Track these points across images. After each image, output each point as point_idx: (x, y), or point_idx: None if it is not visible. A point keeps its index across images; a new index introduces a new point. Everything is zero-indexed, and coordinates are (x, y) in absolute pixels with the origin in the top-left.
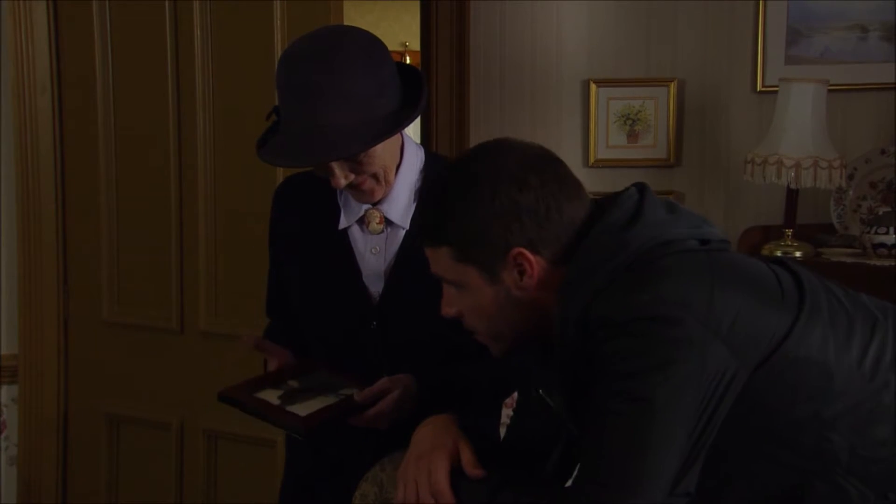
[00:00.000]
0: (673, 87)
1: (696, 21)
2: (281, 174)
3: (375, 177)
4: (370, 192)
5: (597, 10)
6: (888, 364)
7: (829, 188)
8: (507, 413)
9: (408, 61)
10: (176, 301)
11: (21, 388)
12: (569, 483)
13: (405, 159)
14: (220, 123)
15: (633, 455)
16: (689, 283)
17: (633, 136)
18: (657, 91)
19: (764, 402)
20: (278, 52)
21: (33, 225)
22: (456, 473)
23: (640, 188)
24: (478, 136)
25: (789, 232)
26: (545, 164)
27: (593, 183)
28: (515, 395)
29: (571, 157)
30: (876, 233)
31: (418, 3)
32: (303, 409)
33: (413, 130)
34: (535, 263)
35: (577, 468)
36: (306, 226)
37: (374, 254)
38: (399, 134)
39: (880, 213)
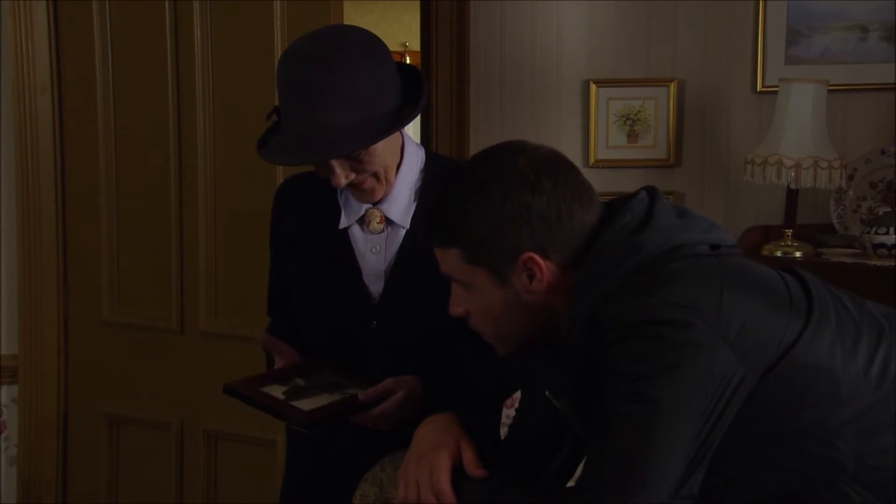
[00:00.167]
0: (673, 87)
1: (696, 21)
2: (281, 174)
3: (376, 176)
4: (371, 191)
5: (597, 10)
6: (894, 373)
7: (829, 188)
8: (506, 413)
9: (408, 61)
10: (176, 301)
11: (21, 388)
12: (571, 484)
13: (405, 159)
14: (220, 123)
15: (638, 456)
16: (699, 287)
17: (633, 136)
18: (657, 91)
19: (770, 408)
20: (278, 52)
21: (33, 225)
22: (457, 473)
23: (651, 192)
24: (478, 136)
25: (789, 232)
26: (557, 169)
27: (593, 183)
28: (515, 395)
29: (571, 158)
30: (876, 233)
31: (418, 3)
32: (307, 404)
33: (413, 130)
34: (545, 268)
35: (579, 469)
36: (307, 225)
37: (374, 253)
38: (399, 134)
39: (880, 213)
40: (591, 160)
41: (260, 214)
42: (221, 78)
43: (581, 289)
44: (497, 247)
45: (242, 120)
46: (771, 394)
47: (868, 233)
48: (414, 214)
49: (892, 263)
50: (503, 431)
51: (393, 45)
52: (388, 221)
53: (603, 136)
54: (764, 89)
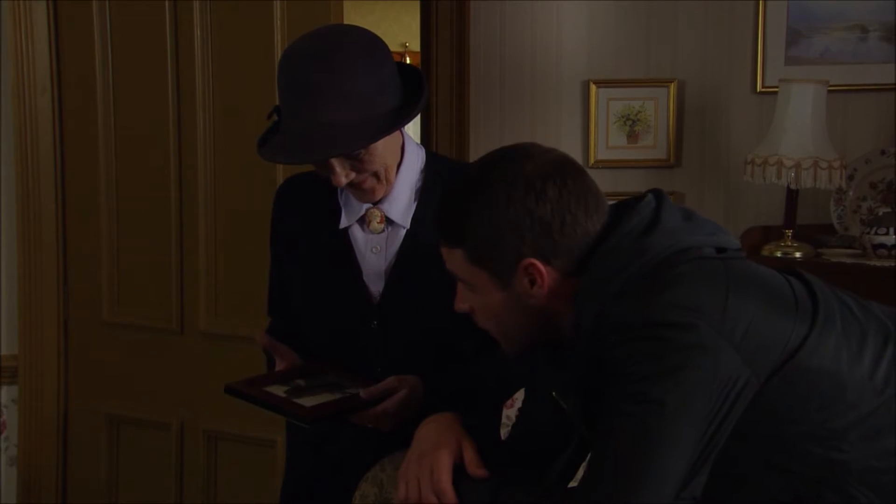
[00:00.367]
0: (673, 87)
1: (696, 21)
2: (281, 174)
3: (376, 175)
4: (371, 190)
5: (597, 11)
6: None
7: (829, 189)
8: (506, 414)
9: (408, 62)
10: (176, 301)
11: (21, 388)
12: (573, 484)
13: (406, 158)
14: (220, 123)
15: (642, 456)
16: (704, 289)
17: (633, 136)
18: (657, 91)
19: (775, 411)
20: (278, 52)
21: (33, 225)
22: (458, 472)
23: (658, 195)
24: (478, 136)
25: (789, 232)
26: (565, 175)
27: None
28: (515, 396)
29: None
30: (876, 233)
31: (418, 3)
32: (308, 402)
33: (413, 130)
34: (546, 274)
35: (581, 470)
36: (307, 225)
37: (374, 253)
38: (400, 134)
39: (880, 213)
40: (591, 160)
41: (260, 214)
42: (221, 78)
43: (586, 292)
44: (499, 251)
45: (242, 120)
46: (775, 397)
47: (868, 233)
48: (414, 214)
49: (892, 264)
50: (503, 432)
51: (393, 46)
52: (389, 221)
53: (603, 136)
54: (764, 90)
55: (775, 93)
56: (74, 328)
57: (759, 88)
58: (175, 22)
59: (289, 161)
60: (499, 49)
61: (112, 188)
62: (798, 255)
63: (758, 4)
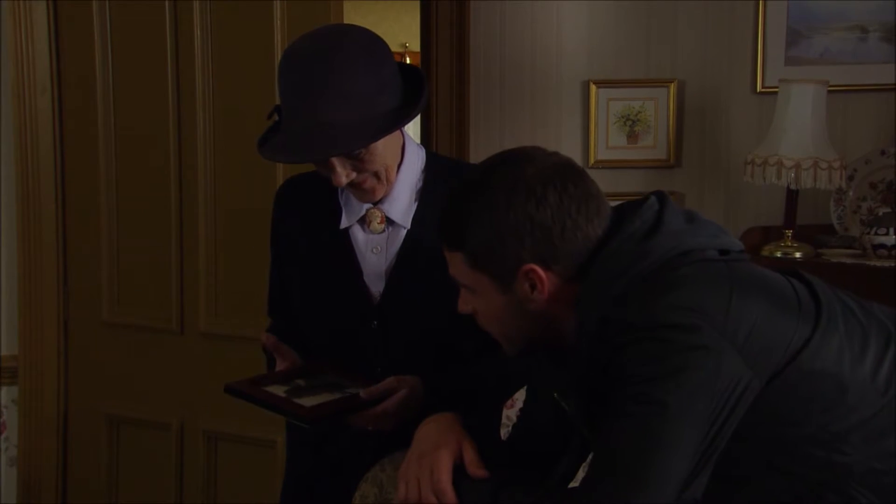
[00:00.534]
0: (673, 87)
1: (696, 22)
2: (281, 175)
3: (377, 175)
4: (371, 190)
5: (597, 11)
6: None
7: (829, 189)
8: (506, 415)
9: (408, 62)
10: (176, 302)
11: (21, 388)
12: (573, 485)
13: (406, 159)
14: (220, 123)
15: (643, 457)
16: (707, 291)
17: (633, 136)
18: (657, 92)
19: (777, 413)
20: (278, 52)
21: (33, 225)
22: (458, 472)
23: (660, 197)
24: (478, 136)
25: (789, 233)
26: (566, 179)
27: None
28: (515, 396)
29: (571, 158)
30: (876, 234)
31: (418, 3)
32: (308, 402)
33: (413, 130)
34: (547, 280)
35: (581, 471)
36: (307, 226)
37: (375, 253)
38: (400, 134)
39: (880, 213)
40: (591, 161)
41: (260, 214)
42: (221, 78)
43: (588, 295)
44: (499, 255)
45: (242, 120)
46: (778, 399)
47: (868, 233)
48: (415, 214)
49: (892, 264)
50: (503, 432)
51: (393, 46)
52: (389, 221)
53: (603, 136)
54: (764, 90)
55: (775, 93)
56: (74, 328)
57: (759, 89)
58: (175, 22)
59: (289, 160)
60: (499, 49)
61: (112, 188)
62: (798, 255)
63: (758, 4)
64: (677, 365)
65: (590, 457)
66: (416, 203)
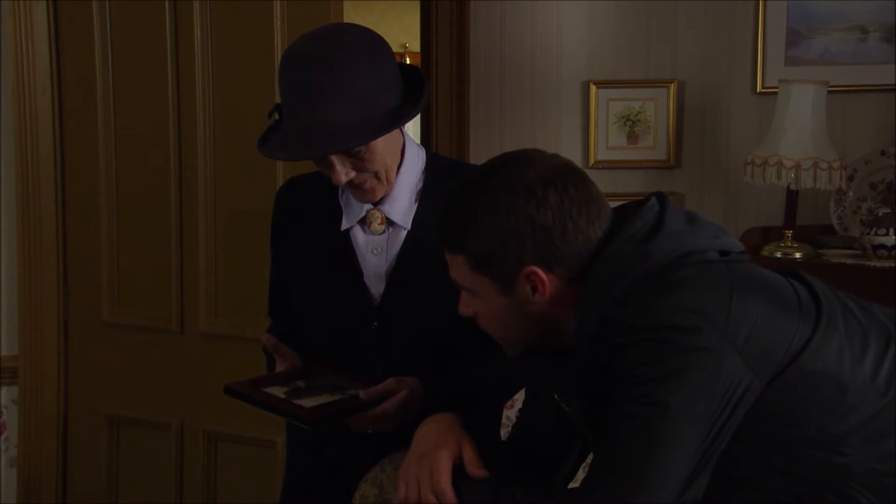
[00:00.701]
0: (673, 88)
1: (696, 22)
2: (281, 175)
3: (377, 176)
4: (371, 190)
5: (597, 11)
6: None
7: (828, 189)
8: (506, 415)
9: (408, 62)
10: (176, 302)
11: (21, 389)
12: (573, 485)
13: (406, 159)
14: (220, 123)
15: (644, 457)
16: (708, 293)
17: (632, 137)
18: (657, 92)
19: (777, 414)
20: (278, 52)
21: (33, 226)
22: (458, 473)
23: (661, 198)
24: (478, 136)
25: (789, 233)
26: (567, 182)
27: None
28: (516, 397)
29: (571, 158)
30: (876, 234)
31: (418, 3)
32: (308, 403)
33: (413, 131)
34: (548, 282)
35: (581, 472)
36: (308, 227)
37: (375, 254)
38: (401, 134)
39: (880, 214)
40: (591, 161)
41: (260, 214)
42: (221, 78)
43: (590, 297)
44: (500, 258)
45: (242, 120)
46: (778, 400)
47: (868, 234)
48: (415, 215)
49: (892, 265)
50: (503, 432)
51: (393, 46)
52: (389, 222)
53: (603, 137)
54: (764, 90)
55: (775, 93)
56: (74, 328)
57: (759, 89)
58: (175, 22)
59: (289, 158)
60: (499, 49)
61: (112, 188)
62: (798, 255)
63: (758, 5)
64: (678, 366)
65: (590, 457)
66: (417, 204)
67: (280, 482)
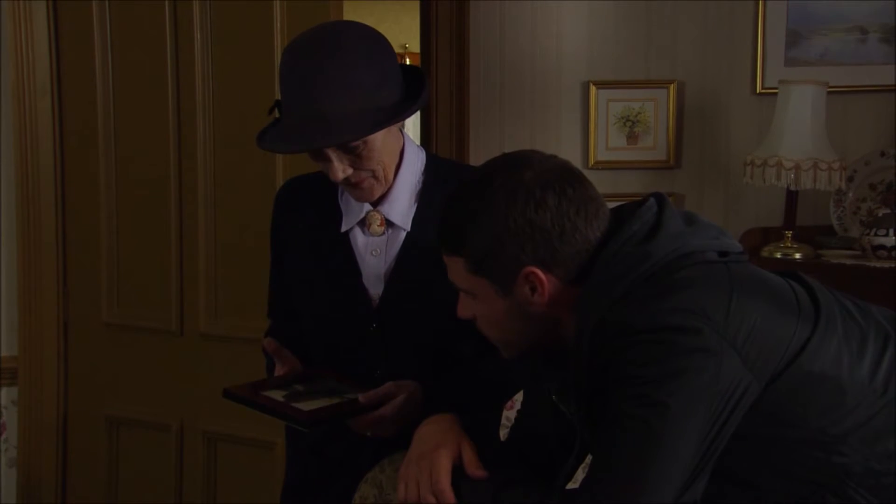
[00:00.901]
0: (672, 88)
1: (696, 23)
2: (281, 176)
3: (374, 175)
4: (369, 189)
5: (597, 12)
6: None
7: (828, 190)
8: (506, 415)
9: (408, 62)
10: (175, 303)
11: (21, 390)
12: (572, 485)
13: (405, 160)
14: (220, 124)
15: (644, 458)
16: (708, 294)
17: (632, 137)
18: (657, 93)
19: (776, 415)
20: (278, 53)
21: (33, 226)
22: (457, 473)
23: (659, 199)
24: (478, 136)
25: (789, 234)
26: (565, 183)
27: (593, 185)
28: (515, 397)
29: (571, 159)
30: (875, 234)
31: (418, 4)
32: (307, 406)
33: (413, 131)
34: (547, 282)
35: (580, 472)
36: (307, 228)
37: (374, 256)
38: (400, 135)
39: (880, 214)
40: (591, 162)
41: (260, 215)
42: (221, 78)
43: (589, 298)
44: (499, 260)
45: (242, 120)
46: (777, 401)
47: (868, 234)
48: (414, 216)
49: (892, 265)
50: (503, 433)
51: (393, 47)
52: (389, 224)
53: (603, 137)
54: (763, 91)
55: (775, 94)
56: (74, 330)
57: (758, 90)
58: (175, 22)
59: (287, 150)
60: (499, 49)
61: (112, 189)
62: (798, 256)
63: (757, 5)
64: (679, 367)
65: (589, 458)
66: (416, 205)
67: (280, 483)
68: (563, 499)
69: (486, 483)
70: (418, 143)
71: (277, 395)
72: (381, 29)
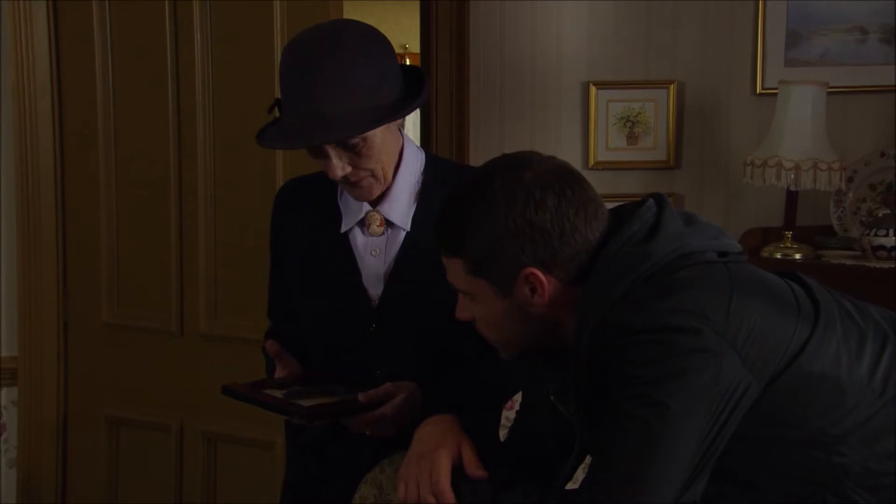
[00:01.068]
0: (672, 89)
1: (695, 23)
2: (281, 176)
3: (373, 174)
4: (368, 188)
5: (597, 12)
6: None
7: (828, 190)
8: (506, 416)
9: (408, 63)
10: (175, 303)
11: (21, 390)
12: (571, 485)
13: (404, 160)
14: (220, 124)
15: (643, 459)
16: (707, 294)
17: (632, 138)
18: (657, 93)
19: (776, 415)
20: (278, 53)
21: (33, 227)
22: (457, 473)
23: (659, 199)
24: (478, 136)
25: (789, 234)
26: (564, 184)
27: (593, 185)
28: (515, 398)
29: (571, 159)
30: (875, 235)
31: (418, 4)
32: (306, 403)
33: (413, 132)
34: (547, 283)
35: (580, 472)
36: (307, 228)
37: (373, 256)
38: (399, 135)
39: (880, 215)
40: (591, 162)
41: (260, 215)
42: (221, 78)
43: (589, 298)
44: (499, 261)
45: (242, 120)
46: (776, 401)
47: (868, 235)
48: (414, 216)
49: (892, 265)
50: (502, 433)
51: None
52: (388, 224)
53: (603, 137)
54: (763, 91)
55: (775, 94)
56: (74, 330)
57: (758, 90)
58: (175, 22)
59: (286, 147)
60: (499, 50)
61: (112, 189)
62: (798, 256)
63: (757, 6)
64: (679, 367)
65: (588, 458)
66: (416, 205)
67: (279, 483)
68: (562, 499)
69: (486, 483)
70: (418, 143)
71: (277, 394)
72: (381, 29)
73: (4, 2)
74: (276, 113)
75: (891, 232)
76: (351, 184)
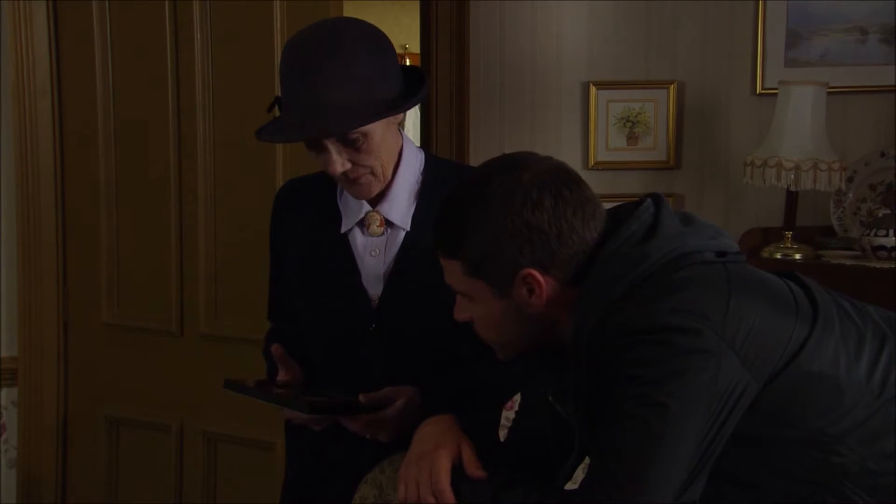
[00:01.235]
0: (672, 89)
1: (695, 23)
2: (281, 176)
3: (372, 171)
4: (367, 185)
5: (597, 12)
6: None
7: (828, 190)
8: (506, 416)
9: (408, 63)
10: (176, 303)
11: (21, 390)
12: (571, 485)
13: (404, 160)
14: (220, 124)
15: (643, 459)
16: (706, 294)
17: (632, 138)
18: (657, 93)
19: (775, 416)
20: (278, 52)
21: (33, 227)
22: (457, 473)
23: (656, 200)
24: (478, 136)
25: (789, 234)
26: (561, 185)
27: (593, 185)
28: (515, 398)
29: (571, 160)
30: (875, 235)
31: (418, 4)
32: (307, 399)
33: (413, 132)
34: (545, 284)
35: (580, 472)
36: (307, 229)
37: (373, 256)
38: (399, 134)
39: (880, 215)
40: (591, 162)
41: (260, 215)
42: (221, 78)
43: (587, 299)
44: (497, 262)
45: (242, 120)
46: (775, 401)
47: (868, 235)
48: (414, 215)
49: (892, 266)
50: (502, 434)
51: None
52: (388, 224)
53: (603, 138)
54: (763, 91)
55: (775, 94)
56: (74, 330)
57: (758, 90)
58: (175, 22)
59: (286, 140)
60: (499, 50)
61: (112, 189)
62: (798, 256)
63: (757, 6)
64: (678, 368)
65: (587, 459)
66: (415, 205)
67: (279, 483)
68: (562, 499)
69: (485, 483)
70: (418, 143)
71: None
72: (381, 29)
73: (4, 2)
74: (276, 112)
75: (891, 232)
76: (350, 181)
